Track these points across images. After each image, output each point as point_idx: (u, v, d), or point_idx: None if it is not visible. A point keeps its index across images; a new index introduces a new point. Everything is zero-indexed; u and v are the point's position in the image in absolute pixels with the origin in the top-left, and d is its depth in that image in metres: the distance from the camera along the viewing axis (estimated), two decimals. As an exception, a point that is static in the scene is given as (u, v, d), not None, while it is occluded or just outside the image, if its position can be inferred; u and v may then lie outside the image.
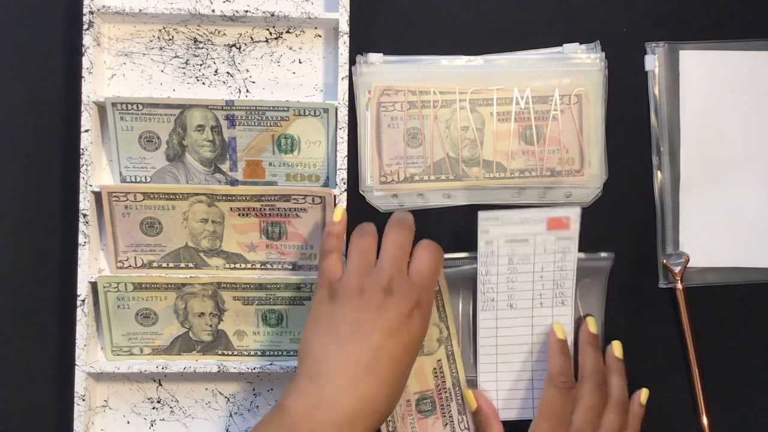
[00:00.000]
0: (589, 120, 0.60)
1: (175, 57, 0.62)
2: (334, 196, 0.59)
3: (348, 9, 0.59)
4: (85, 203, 0.58)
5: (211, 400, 0.61)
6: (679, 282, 0.61)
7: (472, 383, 0.60)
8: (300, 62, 0.62)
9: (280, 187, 0.60)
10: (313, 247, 0.60)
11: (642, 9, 0.62)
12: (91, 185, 0.59)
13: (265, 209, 0.59)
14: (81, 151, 0.58)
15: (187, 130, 0.59)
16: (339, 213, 0.57)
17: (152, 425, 0.61)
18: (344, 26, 0.59)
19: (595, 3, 0.62)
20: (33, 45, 0.62)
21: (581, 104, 0.60)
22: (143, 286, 0.59)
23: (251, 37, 0.62)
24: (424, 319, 0.53)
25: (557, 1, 0.62)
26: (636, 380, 0.59)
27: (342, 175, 0.59)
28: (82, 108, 0.58)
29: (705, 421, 0.60)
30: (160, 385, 0.61)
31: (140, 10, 0.59)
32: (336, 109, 0.59)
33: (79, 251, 0.58)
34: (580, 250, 0.59)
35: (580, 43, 0.61)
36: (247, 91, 0.62)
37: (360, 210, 0.61)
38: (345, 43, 0.59)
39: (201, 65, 0.61)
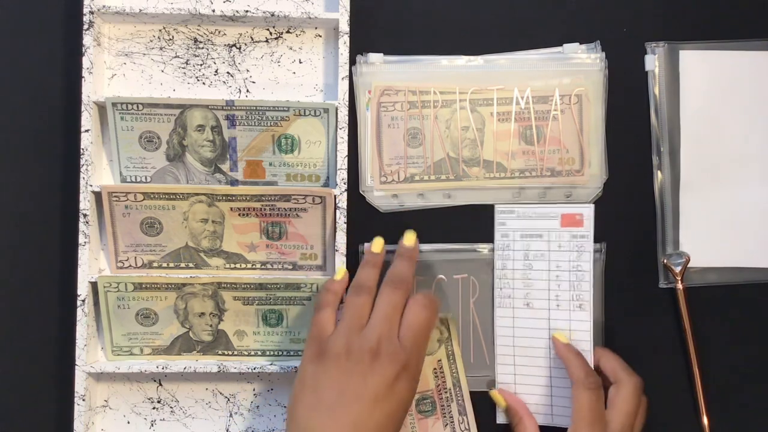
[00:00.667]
0: (589, 120, 0.60)
1: (175, 57, 0.62)
2: (335, 196, 0.59)
3: (348, 9, 0.59)
4: (85, 203, 0.58)
5: (211, 400, 0.61)
6: (680, 282, 0.61)
7: (483, 383, 0.60)
8: (300, 62, 0.62)
9: (281, 187, 0.60)
10: (313, 247, 0.60)
11: (642, 9, 0.62)
12: (91, 185, 0.59)
13: (265, 209, 0.59)
14: (81, 151, 0.58)
15: (188, 130, 0.59)
16: (341, 273, 0.57)
17: (152, 425, 0.61)
18: (344, 26, 0.59)
19: (595, 3, 0.62)
20: (33, 45, 0.62)
21: (581, 104, 0.60)
22: (143, 286, 0.59)
23: (251, 37, 0.62)
24: (411, 382, 0.51)
25: (557, 1, 0.62)
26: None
27: (342, 175, 0.59)
28: (82, 108, 0.58)
29: (705, 421, 0.60)
30: (160, 385, 0.61)
31: (140, 10, 0.59)
32: (336, 109, 0.59)
33: (79, 251, 0.58)
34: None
35: (580, 43, 0.61)
36: (248, 91, 0.62)
37: (360, 210, 0.61)
38: (345, 43, 0.59)
39: (201, 65, 0.61)
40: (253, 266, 0.60)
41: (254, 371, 0.59)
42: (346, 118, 0.59)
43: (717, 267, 0.61)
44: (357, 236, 0.61)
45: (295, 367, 0.59)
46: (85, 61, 0.58)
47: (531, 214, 0.59)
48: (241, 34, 0.61)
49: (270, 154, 0.60)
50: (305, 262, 0.60)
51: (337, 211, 0.59)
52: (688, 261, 0.61)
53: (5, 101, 0.61)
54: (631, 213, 0.62)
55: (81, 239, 0.58)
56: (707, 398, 0.60)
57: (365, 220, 0.61)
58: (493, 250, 0.60)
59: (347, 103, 0.59)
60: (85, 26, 0.59)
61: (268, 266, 0.60)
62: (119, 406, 0.61)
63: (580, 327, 0.59)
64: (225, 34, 0.61)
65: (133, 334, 0.60)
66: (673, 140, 0.61)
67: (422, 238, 0.59)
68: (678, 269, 0.61)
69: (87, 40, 0.59)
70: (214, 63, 0.61)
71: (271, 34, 0.62)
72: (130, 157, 0.60)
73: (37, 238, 0.61)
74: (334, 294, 0.56)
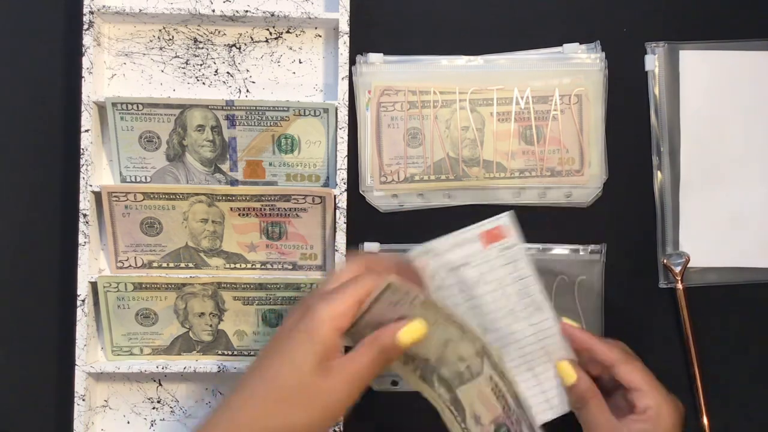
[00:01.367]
0: (589, 120, 0.60)
1: (175, 57, 0.62)
2: (334, 196, 0.59)
3: (348, 9, 0.59)
4: (85, 203, 0.58)
5: (211, 400, 0.61)
6: (680, 282, 0.61)
7: None
8: (300, 62, 0.62)
9: (280, 187, 0.60)
10: (313, 247, 0.60)
11: (642, 9, 0.62)
12: (91, 185, 0.59)
13: (265, 209, 0.59)
14: (81, 151, 0.58)
15: (188, 130, 0.59)
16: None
17: (152, 425, 0.61)
18: (344, 26, 0.59)
19: (595, 3, 0.62)
20: (33, 45, 0.62)
21: (581, 104, 0.60)
22: (143, 286, 0.59)
23: (251, 37, 0.62)
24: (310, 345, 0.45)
25: (557, 1, 0.62)
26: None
27: (342, 175, 0.59)
28: (82, 108, 0.58)
29: (705, 421, 0.60)
30: (160, 385, 0.61)
31: (140, 10, 0.59)
32: (336, 109, 0.59)
33: (79, 251, 0.58)
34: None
35: (580, 43, 0.61)
36: (247, 91, 0.62)
37: (360, 210, 0.61)
38: (345, 43, 0.59)
39: (201, 65, 0.61)
40: (253, 266, 0.60)
41: (254, 371, 0.59)
42: (346, 118, 0.59)
43: (717, 267, 0.61)
44: (357, 236, 0.61)
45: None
46: (85, 61, 0.58)
47: (448, 245, 0.52)
48: (240, 34, 0.61)
49: (270, 154, 0.60)
50: (305, 262, 0.60)
51: (337, 211, 0.59)
52: (688, 261, 0.61)
53: (5, 101, 0.61)
54: (631, 213, 0.62)
55: (81, 239, 0.58)
56: (707, 398, 0.60)
57: (365, 220, 0.61)
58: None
59: (347, 103, 0.59)
60: (85, 26, 0.59)
61: (268, 266, 0.60)
62: (119, 406, 0.61)
63: (544, 326, 0.54)
64: (225, 34, 0.61)
65: (133, 334, 0.60)
66: (673, 140, 0.61)
67: (422, 239, 0.59)
68: (678, 269, 0.61)
69: (87, 40, 0.59)
70: (214, 63, 0.61)
71: (271, 34, 0.62)
72: (130, 157, 0.60)
73: (37, 238, 0.61)
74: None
